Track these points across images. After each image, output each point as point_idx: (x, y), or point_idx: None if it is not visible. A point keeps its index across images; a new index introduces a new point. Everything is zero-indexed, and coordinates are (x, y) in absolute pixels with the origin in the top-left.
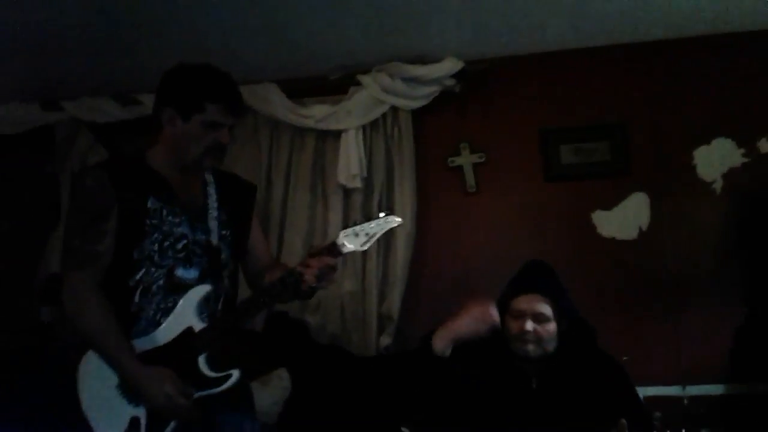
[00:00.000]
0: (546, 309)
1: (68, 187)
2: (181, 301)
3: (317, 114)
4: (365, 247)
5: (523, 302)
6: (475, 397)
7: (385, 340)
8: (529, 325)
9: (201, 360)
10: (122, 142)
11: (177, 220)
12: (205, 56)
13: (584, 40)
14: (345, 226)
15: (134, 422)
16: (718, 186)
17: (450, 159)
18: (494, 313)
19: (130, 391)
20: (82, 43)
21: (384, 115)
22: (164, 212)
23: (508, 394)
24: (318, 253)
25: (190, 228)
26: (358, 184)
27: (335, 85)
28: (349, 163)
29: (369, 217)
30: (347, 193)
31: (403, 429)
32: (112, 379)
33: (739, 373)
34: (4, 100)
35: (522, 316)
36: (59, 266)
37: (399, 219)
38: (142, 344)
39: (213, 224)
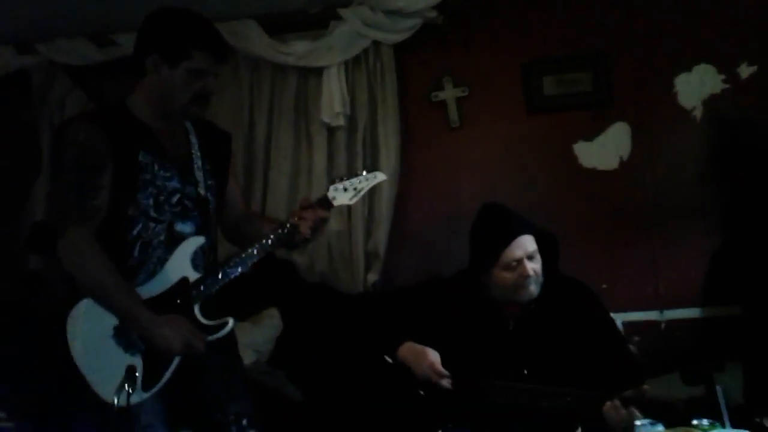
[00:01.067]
0: (533, 243)
1: (47, 132)
2: (175, 252)
3: (298, 50)
4: (353, 201)
5: (515, 249)
6: (452, 340)
7: (372, 277)
8: (530, 269)
9: (196, 309)
10: (100, 85)
11: (168, 174)
12: None
13: None
14: (333, 181)
15: (130, 371)
16: (698, 113)
17: (433, 94)
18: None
19: (131, 338)
20: None
21: (366, 51)
22: (155, 166)
23: (485, 337)
24: (310, 206)
25: (180, 181)
26: (341, 121)
27: (315, 20)
28: (332, 100)
29: (355, 173)
30: (331, 131)
31: (386, 358)
32: (106, 328)
33: (714, 297)
34: None
35: (519, 262)
36: (54, 219)
37: (384, 176)
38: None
39: (199, 175)
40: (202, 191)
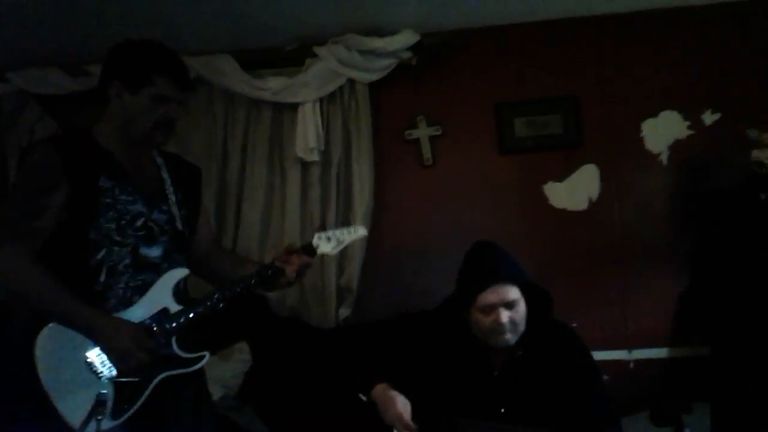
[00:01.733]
0: (515, 293)
1: (16, 159)
2: (159, 281)
3: (273, 86)
4: (334, 252)
5: (490, 295)
6: (432, 378)
7: (345, 312)
8: (504, 317)
9: (173, 340)
10: (72, 114)
11: (131, 198)
12: (157, 26)
13: (537, 13)
14: (318, 229)
15: (100, 399)
16: (664, 157)
17: (407, 132)
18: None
19: (103, 364)
20: (28, 11)
21: (341, 88)
22: (116, 191)
23: (468, 380)
24: (295, 251)
25: (146, 206)
26: (315, 157)
27: (291, 57)
28: (307, 136)
29: (339, 226)
30: (305, 166)
31: (360, 396)
32: (78, 354)
33: (682, 337)
34: None
35: (493, 308)
36: None
37: (366, 231)
38: None
39: (174, 209)
40: (179, 225)
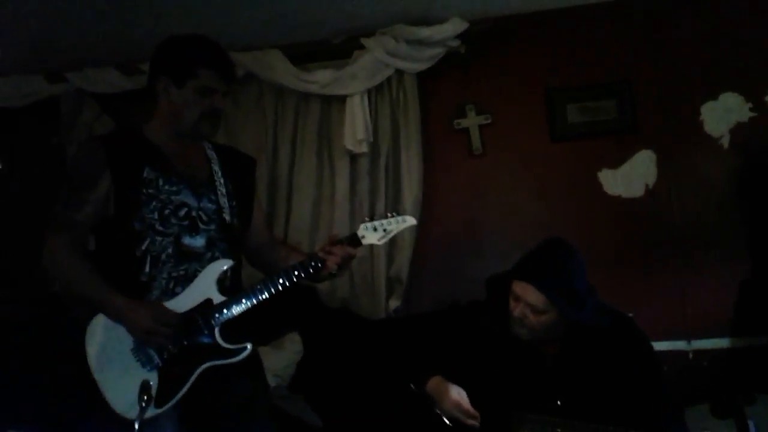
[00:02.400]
0: (538, 300)
1: None
2: (203, 272)
3: (322, 79)
4: (381, 242)
5: (517, 287)
6: (484, 371)
7: (394, 303)
8: (518, 311)
9: (217, 331)
10: (128, 112)
11: (175, 188)
12: (208, 23)
13: None
14: (364, 219)
15: (145, 385)
16: (725, 141)
17: (456, 121)
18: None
19: (148, 353)
20: (85, 12)
21: (389, 79)
22: (160, 181)
23: (521, 372)
24: (339, 242)
25: (193, 196)
26: (364, 149)
27: (339, 50)
28: (355, 128)
29: (386, 215)
30: (353, 158)
31: (411, 385)
32: (125, 343)
33: (744, 327)
34: (7, 72)
35: (516, 299)
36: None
37: (414, 220)
38: None
39: (223, 200)
40: (226, 215)
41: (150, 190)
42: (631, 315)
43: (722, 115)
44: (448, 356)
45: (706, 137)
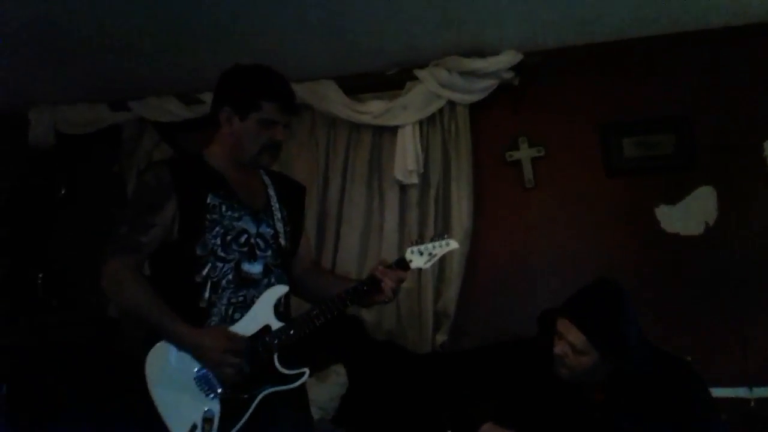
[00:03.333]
0: (578, 340)
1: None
2: (261, 298)
3: (374, 110)
4: (428, 266)
5: (561, 325)
6: (531, 415)
7: (441, 337)
8: (559, 349)
9: (275, 357)
10: (186, 141)
11: (236, 215)
12: (264, 55)
13: (645, 28)
14: (410, 243)
15: (207, 416)
16: None
17: (508, 153)
18: None
19: (211, 382)
20: (147, 44)
21: (441, 110)
22: (223, 207)
23: (568, 418)
24: (389, 266)
25: (253, 222)
26: (414, 179)
27: (392, 81)
28: (406, 158)
29: (431, 238)
30: (403, 188)
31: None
32: (188, 370)
33: None
34: (74, 100)
35: (560, 337)
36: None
37: (458, 244)
38: None
39: (279, 225)
40: (282, 241)
41: (214, 216)
42: (689, 359)
43: None
44: (493, 396)
45: None
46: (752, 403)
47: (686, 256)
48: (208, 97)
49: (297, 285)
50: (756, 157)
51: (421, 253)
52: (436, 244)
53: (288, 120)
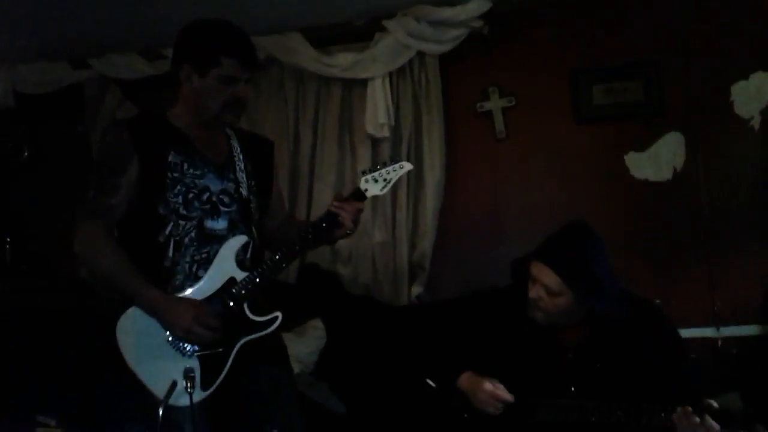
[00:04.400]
0: (553, 282)
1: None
2: (220, 252)
3: (343, 62)
4: (383, 192)
5: (534, 268)
6: (503, 360)
7: (417, 290)
8: (534, 292)
9: (245, 307)
10: (151, 98)
11: (199, 172)
12: (228, 7)
13: None
14: (363, 172)
15: (189, 373)
16: (756, 122)
17: (479, 104)
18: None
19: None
20: None
21: (410, 62)
22: (185, 165)
23: (541, 364)
24: (345, 199)
25: (217, 179)
26: (386, 133)
27: (360, 32)
28: (377, 112)
29: (383, 163)
30: (375, 142)
31: (428, 381)
32: (159, 333)
33: None
34: (32, 59)
35: (533, 281)
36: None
37: (411, 165)
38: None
39: (241, 175)
40: (244, 191)
41: (175, 174)
42: (658, 302)
43: (753, 95)
44: (469, 345)
45: (736, 119)
46: (719, 342)
47: (655, 201)
48: (171, 52)
49: (272, 239)
50: (723, 102)
51: (376, 180)
52: (390, 168)
53: (250, 76)
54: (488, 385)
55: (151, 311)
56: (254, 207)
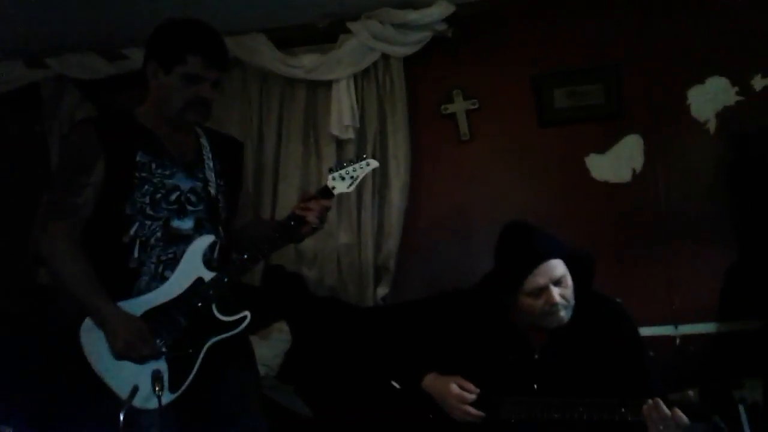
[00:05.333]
0: (561, 268)
1: (57, 145)
2: (187, 252)
3: (307, 64)
4: (351, 189)
5: (539, 277)
6: (469, 362)
7: (382, 291)
8: (556, 296)
9: (213, 307)
10: (110, 98)
11: (168, 172)
12: (190, 7)
13: None
14: (330, 170)
15: (157, 375)
16: (711, 126)
17: (443, 106)
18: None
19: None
20: None
21: (375, 64)
22: (153, 165)
23: (506, 364)
24: (312, 197)
25: (186, 178)
26: (350, 134)
27: (324, 34)
28: (342, 113)
29: (349, 161)
30: (340, 144)
31: (393, 383)
32: None
33: (730, 312)
34: None
35: (542, 290)
36: (39, 215)
37: (377, 162)
38: (154, 298)
39: (210, 174)
40: (212, 190)
41: (143, 174)
42: (619, 300)
43: (709, 99)
44: (436, 346)
45: (692, 122)
46: (677, 340)
47: (615, 202)
48: (131, 52)
49: (239, 239)
50: (680, 105)
51: (343, 178)
52: (356, 166)
53: (216, 76)
54: (455, 389)
55: (98, 323)
56: (222, 206)
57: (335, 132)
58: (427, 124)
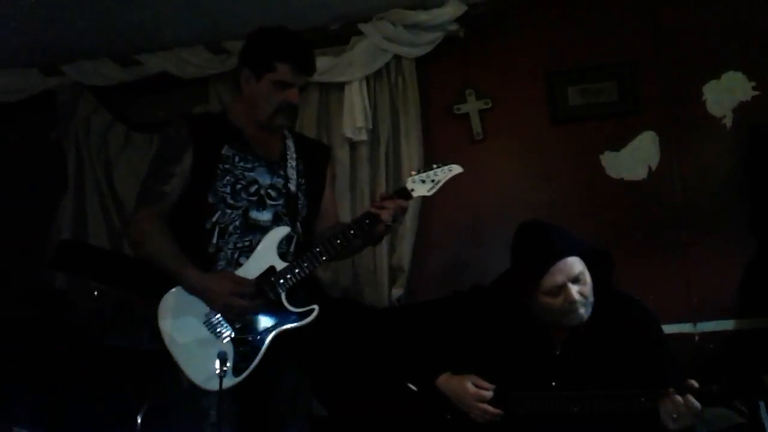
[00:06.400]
0: (578, 265)
1: (73, 151)
2: (262, 241)
3: (319, 66)
4: (431, 193)
5: (556, 275)
6: (490, 360)
7: (397, 292)
8: (575, 294)
9: (283, 296)
10: (126, 104)
11: (249, 166)
12: (201, 14)
13: None
14: (411, 173)
15: (222, 357)
16: (728, 121)
17: (456, 106)
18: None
19: (222, 325)
20: (79, 3)
21: (387, 65)
22: (236, 158)
23: (528, 361)
24: (389, 197)
25: (267, 174)
26: (364, 136)
27: (336, 36)
28: (354, 115)
29: (431, 166)
30: (353, 146)
31: (410, 386)
32: (197, 316)
33: (749, 309)
34: (3, 65)
35: (561, 288)
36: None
37: (461, 168)
38: None
39: (291, 172)
40: (292, 187)
41: (226, 166)
42: (637, 299)
43: (725, 94)
44: (453, 345)
45: (708, 117)
46: (696, 338)
47: (631, 200)
48: (145, 58)
49: (319, 240)
50: (696, 100)
51: (424, 181)
52: (438, 171)
53: (303, 82)
54: (471, 387)
55: (191, 289)
56: (301, 204)
57: (348, 134)
58: (440, 125)
